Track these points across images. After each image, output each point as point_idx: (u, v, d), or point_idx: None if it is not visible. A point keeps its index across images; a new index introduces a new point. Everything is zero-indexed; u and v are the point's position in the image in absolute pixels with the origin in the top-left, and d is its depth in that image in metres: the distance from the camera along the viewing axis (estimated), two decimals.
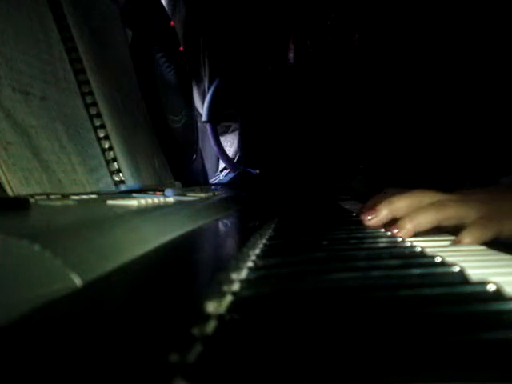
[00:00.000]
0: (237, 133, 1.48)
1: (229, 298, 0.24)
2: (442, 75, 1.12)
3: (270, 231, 0.52)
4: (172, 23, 1.05)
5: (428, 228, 0.47)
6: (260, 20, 1.34)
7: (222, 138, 1.48)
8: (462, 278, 0.27)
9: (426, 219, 0.47)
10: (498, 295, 0.23)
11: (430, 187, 0.52)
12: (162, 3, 1.06)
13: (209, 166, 1.45)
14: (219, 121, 1.46)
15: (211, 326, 0.19)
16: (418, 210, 0.48)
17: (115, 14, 0.77)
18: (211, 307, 0.21)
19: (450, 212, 0.47)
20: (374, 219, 0.52)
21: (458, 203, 0.48)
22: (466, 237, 0.43)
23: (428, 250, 0.36)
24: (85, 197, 0.46)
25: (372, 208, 0.53)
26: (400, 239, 0.43)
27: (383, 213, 0.51)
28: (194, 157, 1.05)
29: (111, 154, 0.58)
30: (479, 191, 0.51)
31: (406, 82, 1.16)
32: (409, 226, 0.47)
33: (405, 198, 0.51)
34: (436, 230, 0.48)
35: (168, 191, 0.52)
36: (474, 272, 0.28)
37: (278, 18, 1.33)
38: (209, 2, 1.41)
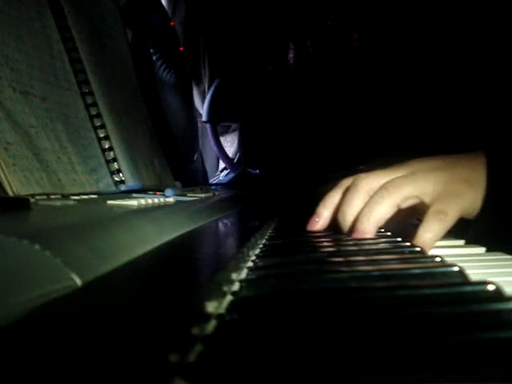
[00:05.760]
0: (237, 133, 1.48)
1: (229, 298, 0.24)
2: (442, 75, 1.12)
3: (270, 231, 0.52)
4: (172, 23, 1.05)
5: (389, 216, 0.43)
6: (260, 20, 1.34)
7: (222, 138, 1.48)
8: (461, 277, 0.27)
9: (384, 210, 0.43)
10: (498, 295, 0.23)
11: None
12: (161, 3, 1.06)
13: (209, 166, 1.45)
14: (219, 121, 1.46)
15: (211, 325, 0.19)
16: (371, 203, 0.43)
17: (115, 14, 0.77)
18: (211, 307, 0.21)
19: (405, 193, 0.43)
20: (317, 224, 0.48)
21: (410, 179, 0.43)
22: (426, 233, 0.40)
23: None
24: (85, 197, 0.46)
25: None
26: (400, 239, 0.42)
27: (324, 215, 0.48)
28: (194, 157, 1.05)
29: (111, 154, 0.58)
30: (433, 158, 0.47)
31: (406, 81, 1.16)
32: (369, 227, 0.43)
33: (339, 190, 0.47)
34: (400, 215, 0.44)
35: (168, 191, 0.52)
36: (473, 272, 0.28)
37: (277, 18, 1.33)
38: (209, 2, 1.41)
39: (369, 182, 0.45)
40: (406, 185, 0.43)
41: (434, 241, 0.40)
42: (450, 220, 0.41)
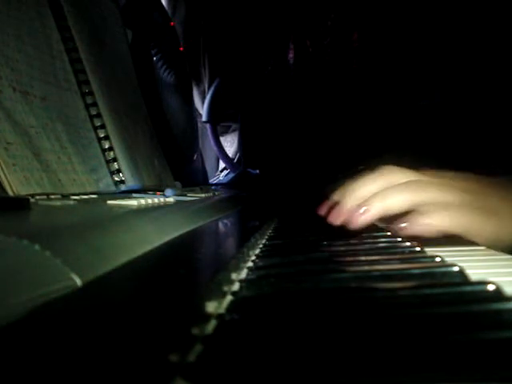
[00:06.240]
0: (237, 133, 1.48)
1: (229, 298, 0.24)
2: (442, 75, 1.12)
3: (270, 231, 0.52)
4: (172, 23, 1.05)
5: (399, 210, 0.40)
6: (260, 20, 1.34)
7: (222, 138, 1.48)
8: (461, 277, 0.27)
9: (399, 200, 0.40)
10: (498, 295, 0.23)
11: None
12: (161, 3, 1.06)
13: (209, 166, 1.45)
14: (219, 121, 1.46)
15: (211, 325, 0.19)
16: (391, 188, 0.41)
17: (115, 14, 0.77)
18: (211, 307, 0.21)
19: (428, 195, 0.40)
20: (338, 217, 0.43)
21: (439, 187, 0.41)
22: (426, 219, 0.37)
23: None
24: (85, 197, 0.46)
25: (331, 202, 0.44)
26: (400, 239, 0.42)
27: (347, 205, 0.43)
28: (194, 157, 1.05)
29: (111, 154, 0.58)
30: (469, 178, 0.44)
31: (406, 81, 1.16)
32: (378, 205, 0.40)
33: (370, 182, 0.43)
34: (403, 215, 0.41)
35: (168, 191, 0.52)
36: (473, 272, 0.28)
37: (277, 18, 1.33)
38: (209, 2, 1.41)
39: (391, 177, 0.43)
40: (431, 190, 0.40)
41: (424, 229, 0.38)
42: (455, 217, 0.38)
